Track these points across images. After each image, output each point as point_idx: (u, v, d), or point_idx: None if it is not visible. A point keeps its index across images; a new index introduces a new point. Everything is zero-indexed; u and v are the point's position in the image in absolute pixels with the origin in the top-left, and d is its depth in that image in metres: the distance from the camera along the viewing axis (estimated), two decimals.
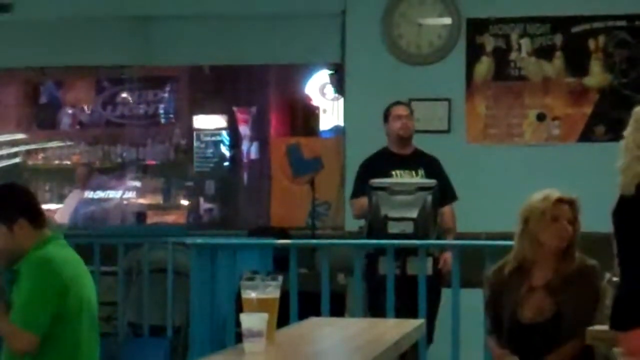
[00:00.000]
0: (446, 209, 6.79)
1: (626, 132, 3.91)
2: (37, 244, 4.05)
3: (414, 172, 6.78)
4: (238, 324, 3.10)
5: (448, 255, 6.33)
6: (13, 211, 4.05)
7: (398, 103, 7.12)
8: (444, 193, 6.61)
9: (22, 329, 3.92)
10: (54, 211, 9.75)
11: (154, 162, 10.48)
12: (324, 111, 10.01)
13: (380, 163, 6.80)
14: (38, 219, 4.12)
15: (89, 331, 4.05)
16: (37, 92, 10.77)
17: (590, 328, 4.26)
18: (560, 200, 4.59)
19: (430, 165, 6.89)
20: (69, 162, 10.52)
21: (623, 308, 3.84)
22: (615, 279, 4.02)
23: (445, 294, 6.04)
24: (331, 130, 9.81)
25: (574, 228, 4.58)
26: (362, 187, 6.52)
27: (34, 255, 4.01)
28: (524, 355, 4.52)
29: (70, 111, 10.68)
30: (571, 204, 4.61)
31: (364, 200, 6.37)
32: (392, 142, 6.93)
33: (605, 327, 4.02)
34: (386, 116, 6.99)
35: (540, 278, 4.57)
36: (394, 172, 6.72)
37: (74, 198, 10.02)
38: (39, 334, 3.91)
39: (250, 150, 10.42)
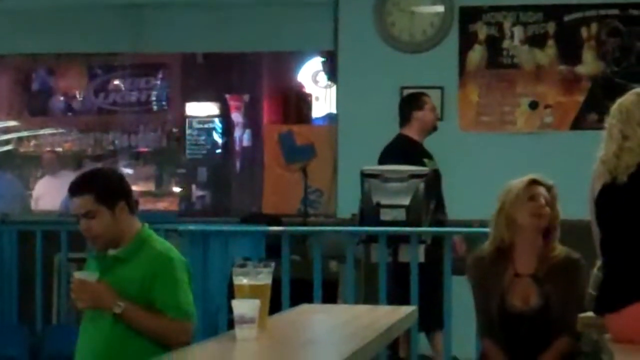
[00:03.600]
0: None
1: (609, 122, 3.92)
2: (143, 231, 4.07)
3: (433, 161, 6.82)
4: (230, 310, 3.10)
5: (459, 240, 6.44)
6: (116, 194, 4.03)
7: (425, 95, 7.11)
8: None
9: (184, 320, 3.95)
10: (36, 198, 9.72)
11: (146, 149, 10.47)
12: (317, 99, 10.02)
13: (409, 152, 6.72)
14: (133, 204, 4.15)
15: None
16: (29, 80, 10.76)
17: (582, 315, 4.27)
18: (535, 182, 4.61)
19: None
20: (60, 149, 10.50)
21: (607, 291, 3.87)
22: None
23: (456, 281, 5.98)
24: (324, 117, 9.82)
25: (552, 212, 4.58)
26: None
27: (158, 245, 4.04)
28: (514, 343, 4.52)
29: (62, 98, 10.67)
30: (548, 188, 4.62)
31: None
32: (419, 131, 6.88)
33: (592, 314, 4.05)
34: (419, 104, 6.94)
35: (525, 266, 4.56)
36: (425, 161, 6.72)
37: (42, 185, 9.88)
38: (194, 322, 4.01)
39: (242, 137, 10.42)
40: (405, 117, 6.93)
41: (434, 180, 6.63)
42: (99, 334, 3.94)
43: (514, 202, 4.58)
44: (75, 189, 4.02)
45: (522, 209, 4.56)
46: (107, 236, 4.00)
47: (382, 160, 6.70)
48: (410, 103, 7.00)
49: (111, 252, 4.03)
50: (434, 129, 6.96)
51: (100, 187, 4.01)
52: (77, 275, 3.95)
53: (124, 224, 4.02)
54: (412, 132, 6.89)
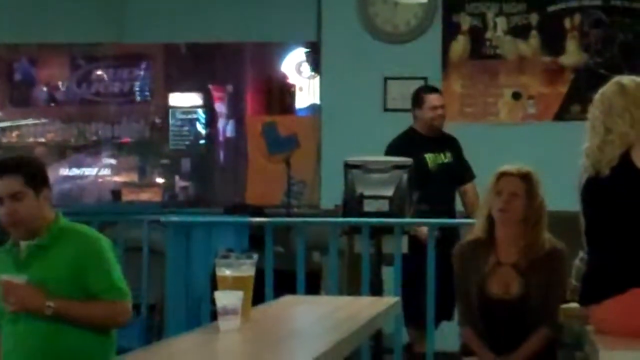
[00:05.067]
0: (469, 187, 6.92)
1: (592, 113, 3.92)
2: (60, 219, 3.99)
3: (442, 155, 6.83)
4: (213, 301, 3.10)
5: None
6: (43, 180, 3.95)
7: (433, 90, 7.10)
8: (465, 171, 6.92)
9: (122, 300, 3.90)
10: None
11: (129, 140, 10.45)
12: (300, 89, 10.00)
13: (411, 145, 6.73)
14: (51, 195, 4.04)
15: None
16: (11, 70, 10.71)
17: (564, 306, 4.29)
18: (505, 174, 4.59)
19: (453, 145, 6.99)
20: (43, 140, 10.47)
21: (591, 283, 3.88)
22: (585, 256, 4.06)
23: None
24: (307, 108, 9.80)
25: (529, 202, 4.56)
26: None
27: (81, 228, 3.99)
28: (493, 331, 4.52)
29: (44, 89, 10.62)
30: (524, 177, 4.59)
31: None
32: (422, 127, 6.91)
33: (576, 305, 4.06)
34: (419, 101, 6.93)
35: (507, 254, 4.57)
36: (426, 156, 6.74)
37: None
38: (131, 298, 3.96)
39: (226, 128, 10.40)
40: (412, 112, 6.98)
41: (439, 174, 6.69)
42: (33, 333, 3.83)
43: (487, 196, 4.61)
44: (3, 169, 3.91)
45: (492, 204, 4.58)
46: (29, 223, 3.88)
47: (387, 152, 6.74)
48: (413, 98, 7.02)
49: (25, 243, 3.92)
50: (437, 128, 6.94)
51: (30, 170, 3.93)
52: (5, 277, 3.80)
53: (45, 212, 3.93)
54: (418, 126, 6.93)
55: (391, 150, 6.74)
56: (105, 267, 3.90)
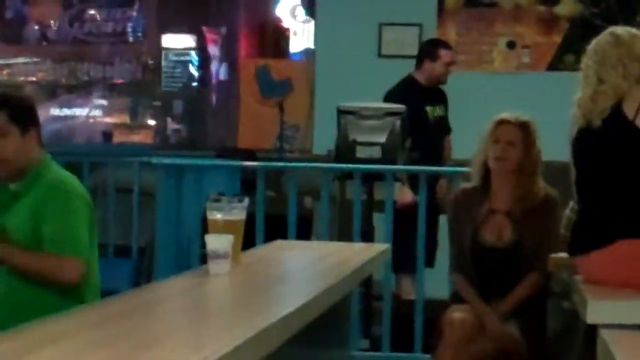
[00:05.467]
0: (446, 140, 7.03)
1: (585, 63, 3.90)
2: (43, 162, 3.71)
3: (437, 108, 6.91)
4: (204, 245, 3.10)
5: (443, 182, 6.52)
6: (30, 118, 3.69)
7: (448, 46, 7.07)
8: (447, 126, 6.98)
9: (71, 257, 3.58)
10: None
11: (121, 81, 10.40)
12: (295, 33, 9.95)
13: (412, 95, 6.73)
14: (40, 134, 3.76)
15: (95, 255, 3.75)
16: (3, 7, 10.62)
17: (553, 255, 4.30)
18: (503, 122, 4.57)
19: (444, 99, 7.03)
20: (34, 79, 10.41)
21: (580, 233, 3.89)
22: (576, 206, 4.07)
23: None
24: (301, 52, 9.76)
25: (526, 151, 4.55)
26: None
27: (55, 177, 3.67)
28: (484, 278, 4.54)
29: (36, 27, 10.55)
30: (522, 126, 4.58)
31: None
32: (427, 79, 6.90)
33: (565, 255, 4.08)
34: (433, 54, 6.90)
35: (501, 202, 4.58)
36: (427, 108, 6.78)
37: None
38: (85, 259, 3.62)
39: (219, 70, 10.36)
40: (418, 61, 6.96)
41: (435, 127, 6.74)
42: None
43: (484, 144, 4.59)
44: None
45: (489, 152, 4.57)
46: (13, 162, 3.64)
47: (387, 99, 6.71)
48: (426, 50, 6.99)
49: (12, 186, 3.70)
50: (441, 82, 6.95)
51: (15, 106, 3.68)
52: None
53: (31, 154, 3.67)
54: (420, 77, 6.91)
55: (391, 97, 6.72)
56: (64, 221, 3.60)
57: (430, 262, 6.25)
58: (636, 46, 3.86)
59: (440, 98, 6.98)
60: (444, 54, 6.90)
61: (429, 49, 6.97)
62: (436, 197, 6.51)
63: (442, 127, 6.95)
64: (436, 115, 6.89)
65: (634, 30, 3.95)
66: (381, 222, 5.86)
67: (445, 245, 5.03)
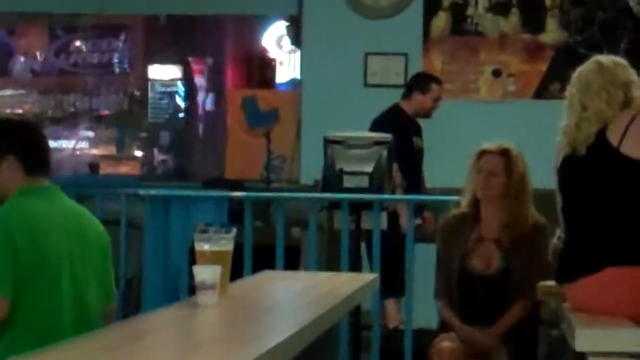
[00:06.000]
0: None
1: (569, 92, 3.93)
2: (16, 194, 3.39)
3: (420, 139, 7.05)
4: (192, 276, 3.09)
5: (428, 214, 6.62)
6: (6, 145, 3.39)
7: (439, 81, 7.23)
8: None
9: None
10: None
11: (107, 112, 10.40)
12: (281, 63, 9.97)
13: (400, 125, 6.82)
14: (33, 163, 3.46)
15: (49, 293, 3.31)
16: None
17: (541, 283, 4.30)
18: (485, 152, 4.62)
19: (421, 131, 7.16)
20: (21, 111, 10.40)
21: (567, 261, 3.90)
22: (563, 234, 4.08)
23: (422, 249, 6.02)
24: (287, 82, 9.78)
25: (509, 178, 4.58)
26: None
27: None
28: (471, 306, 4.55)
29: (22, 59, 10.55)
30: (503, 154, 4.62)
31: None
32: (413, 110, 7.02)
33: (553, 283, 4.08)
34: (424, 87, 7.07)
35: (490, 230, 4.60)
36: (414, 139, 6.87)
37: None
38: (8, 297, 3.21)
39: (205, 101, 10.37)
40: (408, 92, 7.08)
41: (419, 157, 6.81)
42: None
43: (470, 174, 4.63)
44: None
45: (474, 182, 4.61)
46: None
47: (375, 128, 6.76)
48: (418, 82, 7.12)
49: None
50: (427, 116, 7.07)
51: None
52: None
53: (9, 182, 3.40)
54: (407, 107, 7.04)
55: (380, 125, 6.79)
56: None
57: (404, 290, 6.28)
58: (619, 73, 3.89)
59: (420, 130, 7.11)
60: (435, 88, 7.02)
61: (420, 81, 7.05)
62: (422, 227, 6.54)
63: (422, 157, 7.05)
64: (419, 146, 6.98)
65: (617, 59, 3.98)
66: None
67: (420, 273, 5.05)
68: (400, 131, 6.47)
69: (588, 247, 3.80)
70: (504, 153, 4.62)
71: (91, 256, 3.48)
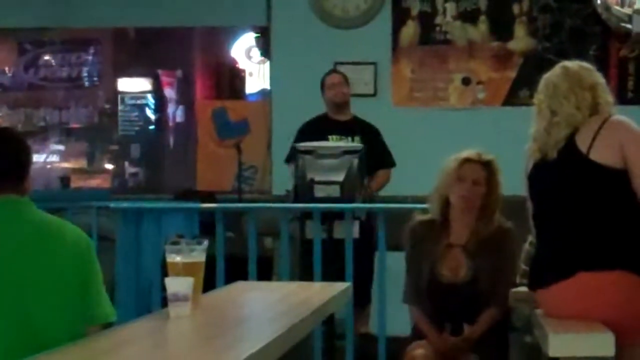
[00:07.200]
0: (380, 172, 7.01)
1: (537, 98, 3.96)
2: None
3: (350, 139, 6.92)
4: (164, 288, 3.08)
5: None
6: None
7: (332, 72, 7.29)
8: (381, 160, 6.95)
9: None
10: None
11: (77, 126, 10.35)
12: (250, 74, 9.96)
13: (318, 128, 6.92)
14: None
15: None
16: None
17: (514, 290, 4.32)
18: (468, 160, 4.62)
19: (368, 132, 7.03)
20: None
21: (539, 267, 3.91)
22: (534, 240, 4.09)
23: (394, 257, 6.03)
24: (257, 93, 9.77)
25: (487, 188, 4.59)
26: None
27: None
28: (442, 313, 4.55)
29: None
30: (485, 164, 4.63)
31: None
32: (330, 109, 7.09)
33: (526, 289, 4.10)
34: (322, 86, 7.15)
35: (458, 237, 4.60)
36: (330, 137, 6.84)
37: None
38: None
39: (175, 113, 10.34)
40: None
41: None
42: None
43: (446, 180, 4.61)
44: None
45: (452, 190, 4.59)
46: None
47: (295, 136, 6.89)
48: (320, 85, 7.17)
49: None
50: (335, 105, 7.09)
51: None
52: None
53: None
54: (328, 110, 7.10)
55: (298, 133, 6.94)
56: None
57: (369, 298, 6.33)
58: (585, 76, 3.91)
59: (357, 131, 7.02)
60: (326, 79, 7.10)
61: (320, 85, 7.16)
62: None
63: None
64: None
65: (583, 63, 4.01)
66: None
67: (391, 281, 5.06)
68: (315, 135, 6.61)
69: (560, 253, 3.82)
70: (487, 164, 4.63)
71: (55, 277, 3.22)
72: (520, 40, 8.17)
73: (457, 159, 4.63)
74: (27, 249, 3.23)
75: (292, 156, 6.74)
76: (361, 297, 5.86)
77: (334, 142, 6.63)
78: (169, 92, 10.30)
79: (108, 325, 3.24)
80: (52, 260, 3.22)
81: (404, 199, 6.94)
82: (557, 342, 3.50)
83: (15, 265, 3.17)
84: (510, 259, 4.54)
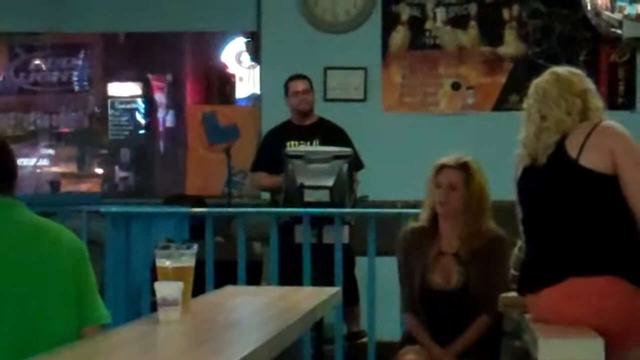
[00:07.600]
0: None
1: (527, 103, 3.96)
2: None
3: (308, 143, 6.92)
4: (153, 292, 3.08)
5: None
6: None
7: (296, 77, 7.27)
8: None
9: None
10: None
11: (67, 130, 10.34)
12: (240, 79, 9.95)
13: (279, 135, 6.98)
14: None
15: None
16: None
17: (503, 295, 4.32)
18: (443, 167, 4.63)
19: (328, 134, 6.99)
20: None
21: (529, 272, 3.91)
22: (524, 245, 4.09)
23: (383, 262, 6.04)
24: (247, 98, 9.76)
25: (468, 191, 4.59)
26: (262, 160, 6.73)
27: None
28: (434, 320, 4.55)
29: None
30: (461, 167, 4.63)
31: (261, 175, 6.60)
32: (293, 115, 7.12)
33: (515, 294, 4.10)
34: (285, 91, 7.16)
35: (449, 245, 4.61)
36: (288, 144, 6.86)
37: None
38: None
39: (165, 118, 10.33)
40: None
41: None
42: None
43: (429, 188, 4.64)
44: None
45: (433, 197, 4.62)
46: None
47: (260, 144, 7.07)
48: (284, 89, 7.22)
49: None
50: (299, 112, 7.14)
51: None
52: None
53: None
54: (291, 116, 7.21)
55: (262, 141, 7.10)
56: None
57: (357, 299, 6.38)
58: (576, 82, 3.92)
59: (318, 133, 7.05)
60: (290, 85, 7.11)
61: (284, 89, 7.16)
62: None
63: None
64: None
65: (573, 69, 4.02)
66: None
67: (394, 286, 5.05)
68: (276, 141, 6.76)
69: (550, 258, 3.82)
70: (463, 167, 4.62)
71: (51, 280, 3.26)
72: (510, 46, 8.18)
73: (435, 166, 4.65)
74: (23, 250, 3.25)
75: (256, 165, 6.82)
76: (347, 296, 5.87)
77: (323, 147, 6.61)
78: (159, 97, 10.29)
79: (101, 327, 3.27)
80: (48, 263, 3.26)
81: (393, 204, 6.95)
82: (547, 347, 3.50)
83: (11, 267, 3.19)
84: (503, 267, 4.54)
